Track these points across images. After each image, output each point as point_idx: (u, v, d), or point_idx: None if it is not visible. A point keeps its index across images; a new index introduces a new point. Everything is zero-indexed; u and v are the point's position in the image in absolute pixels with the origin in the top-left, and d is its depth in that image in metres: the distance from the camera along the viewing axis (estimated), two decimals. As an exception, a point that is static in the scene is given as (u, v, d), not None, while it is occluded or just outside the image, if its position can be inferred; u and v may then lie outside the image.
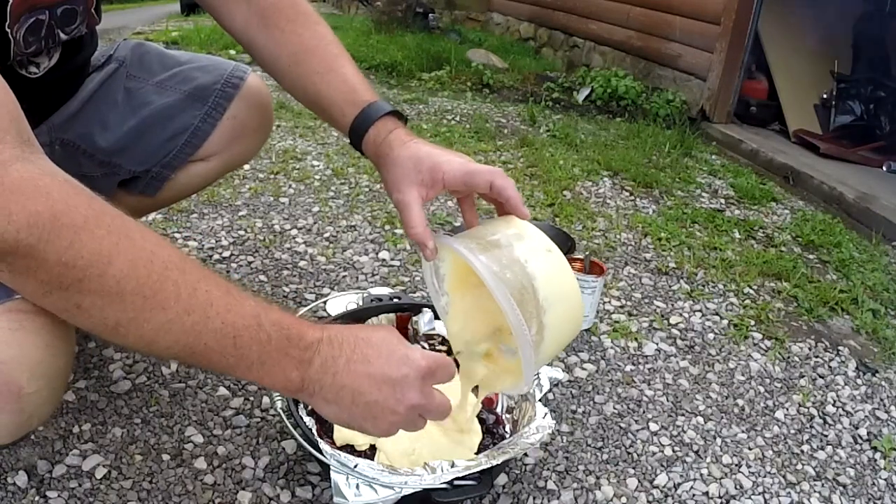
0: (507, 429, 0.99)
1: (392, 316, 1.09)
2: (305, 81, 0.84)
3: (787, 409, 1.25)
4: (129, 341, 0.58)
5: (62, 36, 0.86)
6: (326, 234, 1.72)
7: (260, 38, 0.87)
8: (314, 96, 0.84)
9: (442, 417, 0.71)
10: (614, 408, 1.19)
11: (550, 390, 1.06)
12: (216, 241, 1.62)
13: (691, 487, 1.03)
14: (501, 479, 0.98)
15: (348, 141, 0.83)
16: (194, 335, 0.58)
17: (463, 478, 0.78)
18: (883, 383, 1.38)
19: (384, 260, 1.61)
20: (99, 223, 0.55)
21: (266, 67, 0.90)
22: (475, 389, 0.90)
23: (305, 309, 1.14)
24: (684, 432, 1.15)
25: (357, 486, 0.75)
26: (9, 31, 0.75)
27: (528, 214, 0.76)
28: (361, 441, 0.90)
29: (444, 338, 1.07)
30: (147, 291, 0.55)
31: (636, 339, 1.40)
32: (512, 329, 0.67)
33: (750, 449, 1.14)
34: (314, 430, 0.81)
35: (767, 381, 1.33)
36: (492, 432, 0.98)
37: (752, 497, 1.03)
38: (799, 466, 1.11)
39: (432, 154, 0.75)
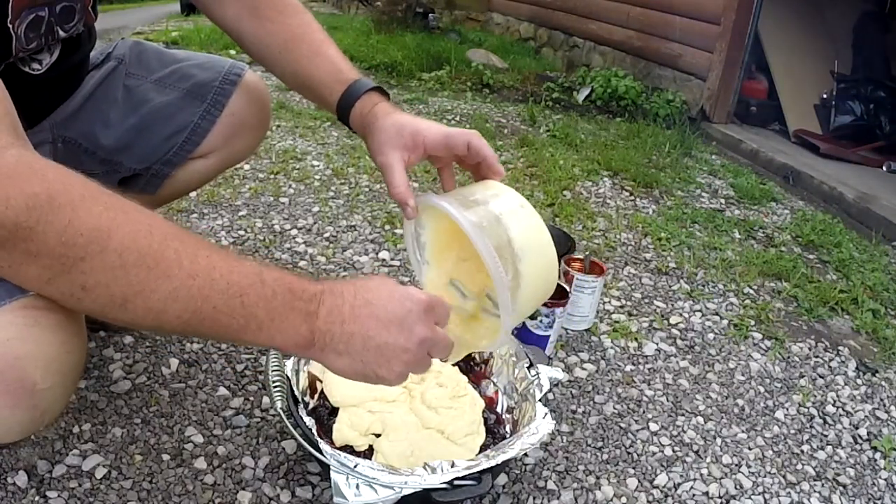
0: (507, 429, 1.00)
1: None
2: (295, 66, 0.91)
3: (787, 409, 1.25)
4: (139, 315, 0.58)
5: (61, 33, 0.88)
6: (326, 234, 1.72)
7: (251, 29, 0.94)
8: (304, 79, 0.91)
9: (446, 353, 0.72)
10: (614, 408, 1.19)
11: (550, 390, 1.06)
12: (216, 242, 1.62)
13: (691, 487, 1.03)
14: (501, 479, 0.98)
15: (337, 118, 0.89)
16: (202, 299, 0.58)
17: (463, 478, 0.78)
18: (883, 383, 1.38)
19: (384, 260, 1.61)
20: (95, 200, 0.55)
21: (256, 55, 0.96)
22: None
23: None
24: (684, 432, 1.15)
25: (357, 486, 0.75)
26: (10, 27, 0.76)
27: (503, 172, 0.81)
28: (361, 442, 0.90)
29: None
30: (150, 262, 0.56)
31: (636, 339, 1.40)
32: (489, 271, 0.68)
33: (750, 449, 1.14)
34: (314, 430, 0.81)
35: (767, 381, 1.33)
36: (492, 432, 0.98)
37: (752, 497, 1.03)
38: (799, 466, 1.11)
39: (414, 121, 0.81)
